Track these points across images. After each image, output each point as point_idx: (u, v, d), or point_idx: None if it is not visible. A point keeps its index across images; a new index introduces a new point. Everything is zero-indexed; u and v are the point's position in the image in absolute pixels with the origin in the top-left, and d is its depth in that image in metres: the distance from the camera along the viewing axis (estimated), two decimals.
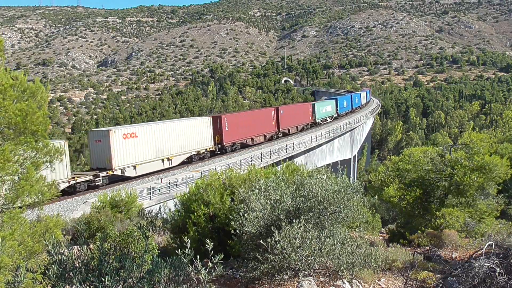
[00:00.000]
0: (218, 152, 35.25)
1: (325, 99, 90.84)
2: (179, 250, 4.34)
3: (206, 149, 33.54)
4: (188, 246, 4.29)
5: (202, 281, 4.12)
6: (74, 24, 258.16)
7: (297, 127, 49.47)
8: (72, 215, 17.02)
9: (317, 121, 55.34)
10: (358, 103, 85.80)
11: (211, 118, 34.67)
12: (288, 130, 46.80)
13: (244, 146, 38.93)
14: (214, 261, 4.20)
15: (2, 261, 4.91)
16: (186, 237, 4.53)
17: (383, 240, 12.37)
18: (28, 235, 5.95)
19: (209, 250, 4.31)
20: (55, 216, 7.08)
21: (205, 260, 4.47)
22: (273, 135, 43.84)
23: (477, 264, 6.27)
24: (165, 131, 29.53)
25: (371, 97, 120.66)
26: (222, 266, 4.24)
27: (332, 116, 62.90)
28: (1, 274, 5.03)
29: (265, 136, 41.92)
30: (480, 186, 12.93)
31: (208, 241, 4.39)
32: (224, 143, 35.29)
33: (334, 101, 66.84)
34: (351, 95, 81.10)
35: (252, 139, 39.69)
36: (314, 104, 56.35)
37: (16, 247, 5.50)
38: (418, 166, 14.02)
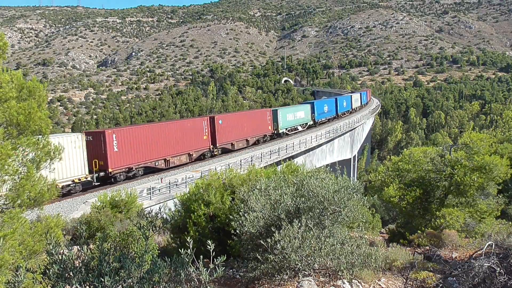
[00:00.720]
0: (97, 183, 25.29)
1: (324, 98, 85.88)
2: (180, 250, 4.35)
3: (73, 181, 23.22)
4: (190, 246, 4.30)
5: (203, 281, 4.12)
6: (74, 24, 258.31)
7: (247, 140, 39.79)
8: (72, 215, 17.04)
9: (280, 131, 45.84)
10: (347, 107, 74.17)
11: (83, 135, 24.34)
12: (232, 145, 37.57)
13: (151, 170, 29.27)
14: (216, 263, 4.21)
15: (3, 258, 4.92)
16: (189, 237, 4.54)
17: (383, 240, 12.37)
18: (29, 235, 5.96)
19: (211, 251, 4.32)
20: (55, 216, 7.08)
21: (205, 260, 4.47)
22: (206, 153, 34.29)
23: (477, 264, 6.28)
24: None
25: (372, 97, 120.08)
26: (223, 268, 4.25)
27: (306, 124, 53.45)
28: (1, 273, 5.04)
29: (190, 155, 32.29)
30: (480, 186, 12.94)
31: (209, 242, 4.40)
32: (111, 169, 25.26)
33: (309, 106, 55.42)
34: (336, 98, 69.65)
35: (166, 160, 29.79)
36: (276, 110, 45.74)
37: (17, 247, 5.51)
38: (418, 166, 14.03)
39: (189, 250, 4.27)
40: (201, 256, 4.37)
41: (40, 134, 6.36)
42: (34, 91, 6.22)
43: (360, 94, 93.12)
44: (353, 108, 78.31)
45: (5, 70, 6.12)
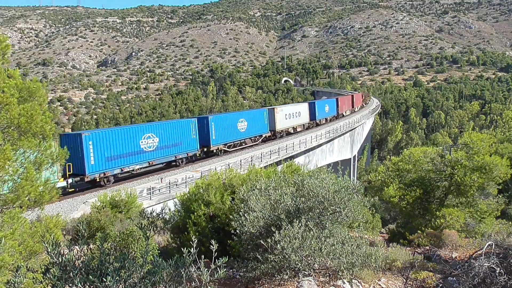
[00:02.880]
0: None
1: (325, 98, 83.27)
2: (183, 249, 4.35)
3: None
4: (194, 246, 4.31)
5: (203, 281, 4.13)
6: (74, 24, 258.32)
7: None
8: (72, 215, 17.02)
9: None
10: (259, 130, 41.35)
11: None
12: None
13: None
14: (218, 263, 4.21)
15: (3, 259, 4.91)
16: (193, 237, 4.54)
17: (383, 240, 12.37)
18: (29, 235, 5.95)
19: (213, 251, 4.32)
20: (55, 216, 7.07)
21: (205, 260, 4.47)
22: None
23: (477, 264, 6.28)
24: None
25: (372, 97, 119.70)
26: (224, 270, 4.25)
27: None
28: (1, 273, 5.03)
29: None
30: (480, 186, 12.94)
31: (213, 242, 4.40)
32: None
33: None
34: (201, 119, 34.22)
35: None
36: None
37: (17, 247, 5.50)
38: (418, 166, 14.03)
39: (192, 249, 4.27)
40: (202, 256, 4.38)
41: (42, 136, 6.32)
42: (34, 91, 6.18)
43: (310, 104, 54.32)
44: (276, 129, 44.46)
45: (2, 70, 6.10)
